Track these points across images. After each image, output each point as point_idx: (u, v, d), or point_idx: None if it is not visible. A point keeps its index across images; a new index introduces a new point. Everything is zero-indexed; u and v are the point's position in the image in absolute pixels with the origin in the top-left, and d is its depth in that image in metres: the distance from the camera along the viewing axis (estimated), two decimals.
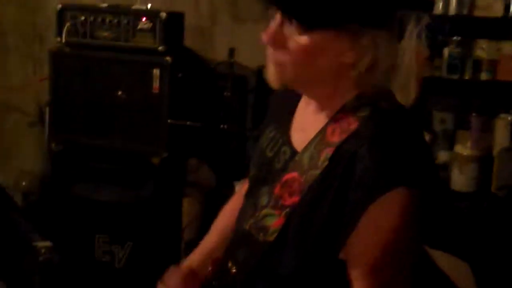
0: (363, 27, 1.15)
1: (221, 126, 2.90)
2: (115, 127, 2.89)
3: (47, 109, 3.05)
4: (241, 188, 1.55)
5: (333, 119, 1.23)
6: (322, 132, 1.23)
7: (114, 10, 2.85)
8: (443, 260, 1.71)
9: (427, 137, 3.05)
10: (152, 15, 2.80)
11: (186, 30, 3.04)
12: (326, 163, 1.19)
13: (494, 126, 3.04)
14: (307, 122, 1.30)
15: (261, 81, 2.97)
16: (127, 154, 2.93)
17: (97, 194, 2.95)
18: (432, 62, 2.99)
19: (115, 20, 2.81)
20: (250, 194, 1.37)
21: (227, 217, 1.55)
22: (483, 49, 3.00)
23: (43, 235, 2.37)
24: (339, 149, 1.18)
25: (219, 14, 3.31)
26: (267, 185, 1.30)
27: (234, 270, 1.30)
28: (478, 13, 3.01)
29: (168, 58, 2.79)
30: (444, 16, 3.00)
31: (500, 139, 3.02)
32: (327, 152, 1.20)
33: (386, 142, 1.15)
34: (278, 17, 1.18)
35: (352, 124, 1.19)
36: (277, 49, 1.20)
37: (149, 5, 2.92)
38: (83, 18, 2.84)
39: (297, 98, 1.36)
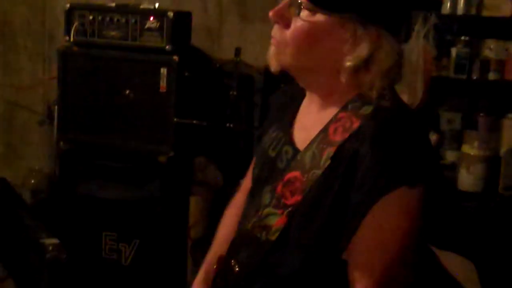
0: (368, 22, 1.17)
1: (227, 125, 2.91)
2: (123, 126, 2.91)
3: (55, 108, 3.07)
4: (243, 186, 1.56)
5: (335, 118, 1.24)
6: (324, 131, 1.24)
7: (122, 10, 2.86)
8: (449, 259, 1.71)
9: (434, 137, 3.05)
10: (159, 14, 2.80)
11: (194, 30, 3.05)
12: (328, 162, 1.19)
13: (501, 126, 3.03)
14: (309, 121, 1.30)
15: (268, 81, 2.97)
16: (134, 153, 2.94)
17: (105, 192, 2.96)
18: (439, 62, 2.99)
19: (123, 20, 2.83)
20: (253, 194, 1.38)
21: (233, 218, 1.54)
22: (491, 49, 2.99)
23: (51, 233, 2.39)
24: (341, 148, 1.19)
25: (227, 14, 3.31)
26: (270, 184, 1.30)
27: (237, 269, 1.31)
28: (486, 13, 3.00)
29: (175, 57, 2.80)
30: (452, 16, 2.99)
31: (507, 139, 3.01)
32: (329, 151, 1.20)
33: (388, 141, 1.15)
34: None
35: (354, 123, 1.20)
36: (281, 27, 1.22)
37: (156, 5, 2.93)
38: (91, 17, 2.85)
39: (300, 98, 1.36)
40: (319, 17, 1.18)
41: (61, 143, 3.01)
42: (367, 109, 1.20)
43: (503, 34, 3.00)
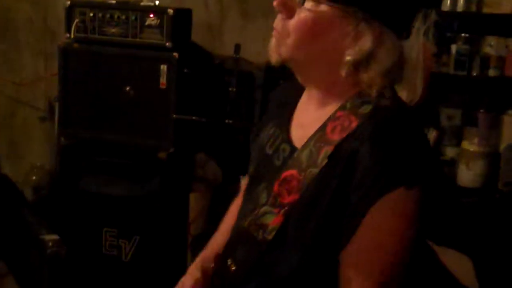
0: (371, 17, 1.16)
1: (227, 121, 2.91)
2: (123, 122, 2.91)
3: (57, 104, 3.09)
4: (244, 184, 1.55)
5: (334, 117, 1.23)
6: (322, 129, 1.23)
7: (122, 7, 2.86)
8: (447, 255, 1.72)
9: (434, 133, 3.06)
10: (159, 11, 2.81)
11: (195, 27, 3.05)
12: (325, 161, 1.19)
13: (501, 123, 3.03)
14: (307, 119, 1.30)
15: (269, 77, 2.98)
16: (134, 149, 2.95)
17: (105, 189, 2.97)
18: (439, 58, 2.98)
19: (123, 17, 2.83)
20: (249, 191, 1.38)
21: (233, 216, 1.53)
22: (491, 46, 2.99)
23: (52, 229, 2.40)
24: (339, 147, 1.18)
25: (228, 11, 3.32)
26: (266, 182, 1.30)
27: (233, 268, 1.30)
28: (486, 9, 3.00)
29: (175, 54, 2.80)
30: (452, 13, 2.99)
31: (507, 136, 3.01)
32: (327, 150, 1.19)
33: (386, 142, 1.14)
34: None
35: (352, 122, 1.19)
36: (284, 17, 1.22)
37: (157, 2, 2.94)
38: (91, 14, 2.85)
39: (298, 94, 1.35)
40: (323, 8, 1.17)
41: (62, 139, 3.03)
42: (366, 108, 1.20)
43: (503, 31, 2.99)
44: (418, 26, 1.23)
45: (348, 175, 1.15)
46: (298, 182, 1.22)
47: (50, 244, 2.29)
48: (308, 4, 1.18)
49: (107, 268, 2.99)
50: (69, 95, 2.97)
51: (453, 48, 2.99)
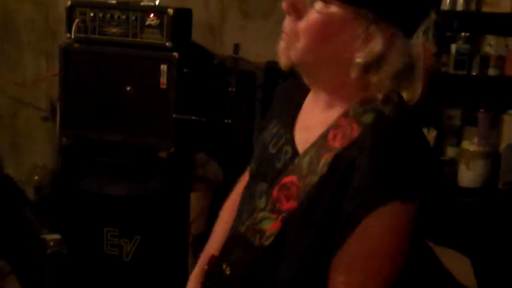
0: (382, 19, 1.13)
1: (226, 121, 2.92)
2: (124, 122, 2.92)
3: (58, 104, 3.10)
4: (242, 180, 1.54)
5: (336, 124, 1.21)
6: (324, 136, 1.22)
7: (122, 7, 2.87)
8: (446, 255, 1.73)
9: (434, 133, 3.06)
10: (159, 11, 2.81)
11: (195, 27, 3.06)
12: (325, 169, 1.18)
13: (501, 122, 3.04)
14: (312, 122, 1.28)
15: (269, 77, 2.99)
16: (135, 149, 2.96)
17: (106, 188, 2.98)
18: (439, 58, 2.99)
19: (124, 17, 2.84)
20: (249, 189, 1.36)
21: (229, 213, 1.53)
22: (491, 45, 2.99)
23: (54, 229, 2.41)
24: (339, 156, 1.17)
25: (229, 11, 3.33)
26: (266, 183, 1.29)
27: (228, 272, 1.29)
28: (486, 9, 3.01)
29: (175, 54, 2.81)
30: (452, 12, 3.00)
31: (507, 135, 3.02)
32: (327, 157, 1.18)
33: (385, 153, 1.13)
34: None
35: (354, 130, 1.18)
36: (294, 18, 1.19)
37: (157, 2, 2.95)
38: (92, 14, 2.86)
39: (304, 93, 1.33)
40: (334, 9, 1.14)
41: (64, 139, 3.03)
42: (368, 117, 1.18)
43: (503, 30, 3.00)
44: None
45: (345, 184, 1.14)
46: (297, 189, 1.21)
47: (52, 243, 2.31)
48: (318, 6, 1.15)
49: (108, 268, 3.00)
50: (70, 95, 2.97)
51: (453, 47, 2.99)
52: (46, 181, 3.47)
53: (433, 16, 1.21)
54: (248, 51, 3.16)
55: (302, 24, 1.17)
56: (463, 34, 2.99)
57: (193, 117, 2.85)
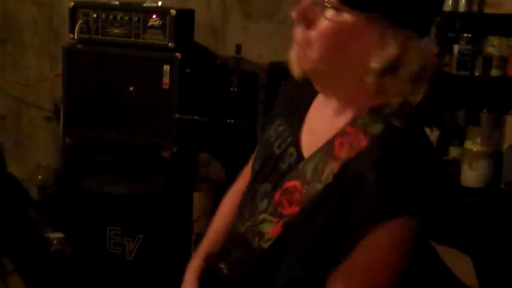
0: (396, 24, 1.11)
1: (228, 121, 2.93)
2: (127, 122, 2.94)
3: (61, 104, 3.11)
4: (243, 174, 1.53)
5: (343, 132, 1.20)
6: (330, 143, 1.20)
7: (125, 8, 2.89)
8: (447, 254, 1.73)
9: (437, 133, 3.06)
10: (162, 12, 2.83)
11: (198, 27, 3.08)
12: (330, 178, 1.16)
13: (504, 123, 3.03)
14: (319, 126, 1.26)
15: (272, 78, 2.99)
16: (138, 148, 2.97)
17: (109, 188, 2.99)
18: (442, 59, 2.99)
19: (126, 17, 2.85)
20: (251, 188, 1.35)
21: (224, 214, 1.53)
22: (493, 46, 2.99)
23: (57, 227, 2.42)
24: (345, 166, 1.16)
25: (231, 11, 3.34)
26: (270, 183, 1.28)
27: (225, 271, 1.30)
28: (488, 10, 3.01)
29: (178, 55, 2.82)
30: (454, 13, 3.00)
31: (510, 135, 3.02)
32: (332, 167, 1.17)
33: (393, 168, 1.12)
34: None
35: (361, 141, 1.16)
36: (305, 27, 1.15)
37: (159, 3, 2.97)
38: (95, 15, 2.88)
39: (313, 95, 1.31)
40: (346, 16, 1.11)
41: (67, 139, 3.05)
42: (376, 128, 1.16)
43: (505, 31, 3.00)
44: None
45: (351, 196, 1.13)
46: (300, 195, 1.19)
47: (55, 242, 2.32)
48: (329, 14, 1.12)
49: (111, 266, 3.02)
50: (73, 96, 2.99)
51: (455, 48, 2.99)
52: (49, 181, 3.48)
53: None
54: (250, 51, 3.17)
55: (314, 33, 1.14)
56: (465, 35, 2.99)
57: (196, 117, 2.86)
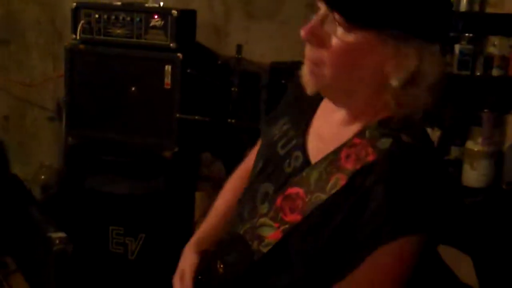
0: (409, 35, 1.09)
1: (229, 121, 2.94)
2: (128, 121, 2.94)
3: (64, 104, 3.12)
4: (247, 161, 1.53)
5: (350, 143, 1.18)
6: (336, 152, 1.18)
7: (127, 8, 2.89)
8: (448, 254, 1.73)
9: (438, 133, 3.06)
10: (164, 12, 2.84)
11: (200, 28, 3.08)
12: (335, 190, 1.15)
13: (505, 122, 3.03)
14: (328, 132, 1.25)
15: (273, 78, 3.00)
16: (140, 148, 2.98)
17: (111, 187, 3.00)
18: (443, 58, 2.98)
19: (128, 18, 2.86)
20: (251, 187, 1.34)
21: (227, 198, 1.53)
22: (494, 46, 2.99)
23: (59, 227, 2.43)
24: (352, 180, 1.14)
25: (233, 12, 3.34)
26: (272, 184, 1.27)
27: (221, 271, 1.29)
28: (489, 9, 3.01)
29: (179, 55, 2.83)
30: (455, 12, 2.99)
31: (511, 135, 3.01)
32: (338, 178, 1.15)
33: (401, 186, 1.10)
34: (321, 11, 1.13)
35: (369, 155, 1.14)
36: (315, 46, 1.14)
37: (161, 3, 2.98)
38: (97, 15, 2.89)
39: (319, 97, 1.28)
40: (357, 34, 1.09)
41: (70, 139, 3.06)
42: (385, 143, 1.14)
43: (507, 31, 2.99)
44: None
45: (358, 211, 1.12)
46: (303, 203, 1.18)
47: (57, 241, 2.33)
48: (339, 33, 1.10)
49: (113, 266, 3.02)
50: (76, 96, 3.00)
51: (457, 48, 2.99)
52: (52, 181, 3.49)
53: None
54: (252, 52, 3.18)
55: (326, 53, 1.12)
56: (466, 34, 2.99)
57: (197, 117, 2.86)
